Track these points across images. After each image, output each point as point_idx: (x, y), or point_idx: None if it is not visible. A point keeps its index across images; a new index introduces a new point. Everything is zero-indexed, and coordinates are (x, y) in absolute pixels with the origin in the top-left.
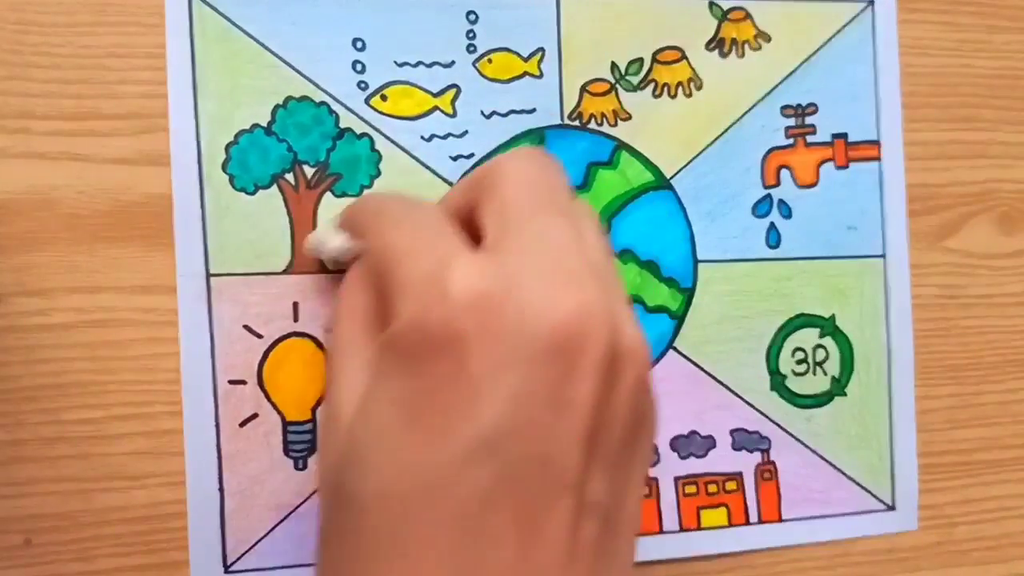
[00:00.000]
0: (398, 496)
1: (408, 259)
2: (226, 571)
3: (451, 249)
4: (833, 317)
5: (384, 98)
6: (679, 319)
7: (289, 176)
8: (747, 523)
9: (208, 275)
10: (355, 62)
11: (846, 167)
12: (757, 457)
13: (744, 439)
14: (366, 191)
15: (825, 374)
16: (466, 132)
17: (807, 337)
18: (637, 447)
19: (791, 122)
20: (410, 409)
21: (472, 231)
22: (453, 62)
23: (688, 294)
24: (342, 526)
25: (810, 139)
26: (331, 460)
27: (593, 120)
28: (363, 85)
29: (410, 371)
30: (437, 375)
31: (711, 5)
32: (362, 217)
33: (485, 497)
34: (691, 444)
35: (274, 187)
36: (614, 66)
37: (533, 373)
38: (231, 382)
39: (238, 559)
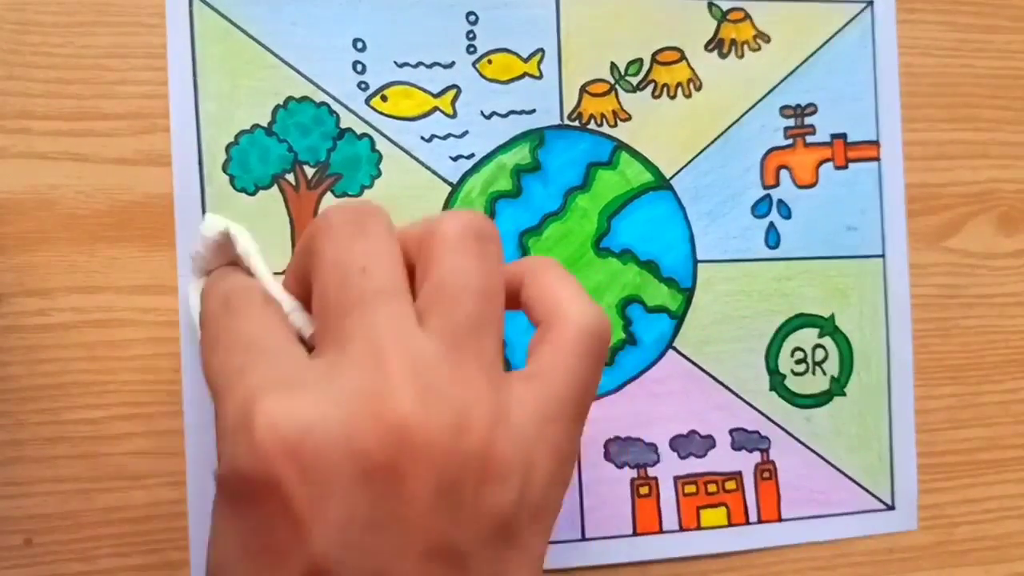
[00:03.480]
0: None
1: (223, 393)
2: None
3: (262, 378)
4: (832, 317)
5: (384, 98)
6: (679, 319)
7: (290, 176)
8: (747, 523)
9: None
10: (355, 62)
11: (845, 167)
12: (756, 457)
13: (743, 439)
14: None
15: (824, 374)
16: (466, 132)
17: (806, 337)
18: (514, 537)
19: (790, 122)
20: (246, 545)
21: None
22: (453, 63)
23: (688, 294)
24: None
25: (809, 139)
26: None
27: (593, 120)
28: (363, 85)
29: (238, 512)
30: (262, 515)
31: (710, 6)
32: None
33: None
34: (690, 444)
35: (275, 187)
36: (614, 67)
37: (354, 499)
38: None
39: None
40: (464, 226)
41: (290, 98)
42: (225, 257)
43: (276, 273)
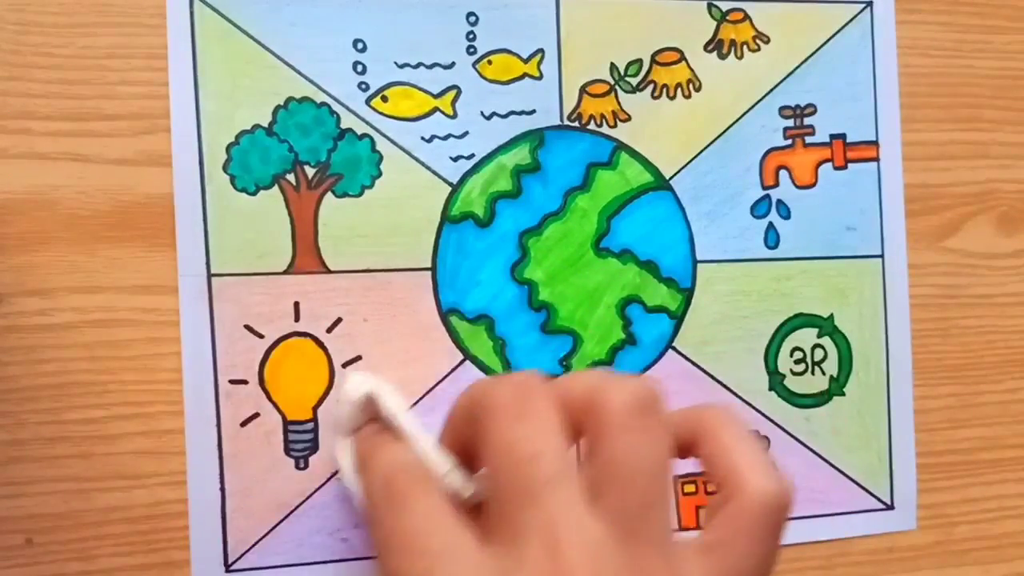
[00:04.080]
0: None
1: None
2: (227, 570)
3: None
4: (832, 317)
5: (385, 99)
6: (678, 319)
7: (290, 176)
8: None
9: (209, 275)
10: (356, 63)
11: (844, 167)
12: None
13: None
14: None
15: (823, 374)
16: (466, 133)
17: (805, 337)
18: None
19: (790, 123)
20: None
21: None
22: (453, 63)
23: (687, 294)
24: None
25: (808, 140)
26: None
27: (592, 121)
28: (364, 86)
29: None
30: None
31: (710, 6)
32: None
33: None
34: None
35: (275, 187)
36: (613, 67)
37: None
38: (232, 382)
39: (239, 558)
40: (631, 400)
41: (291, 98)
42: (368, 415)
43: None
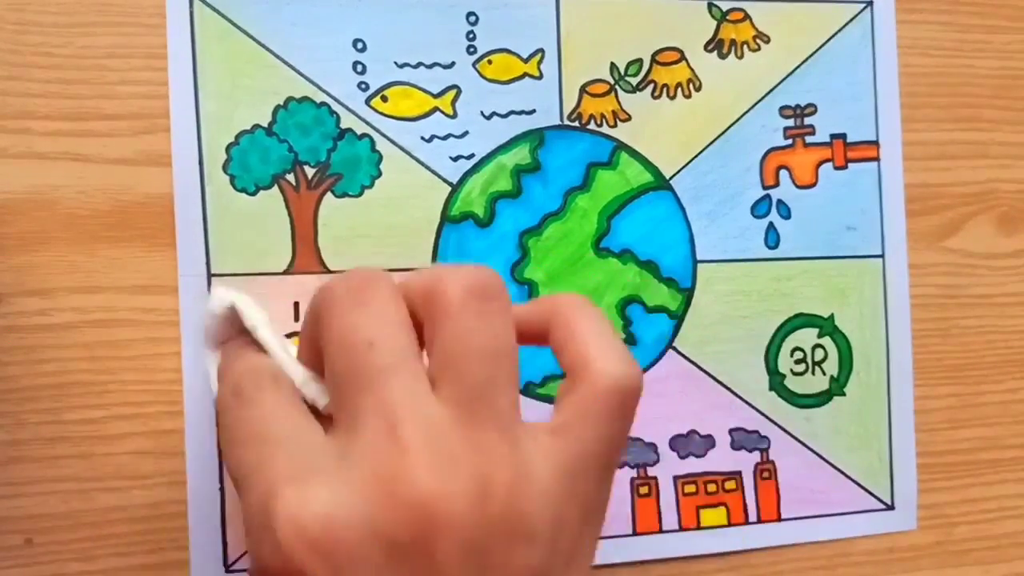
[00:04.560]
0: None
1: (244, 490)
2: (227, 571)
3: (278, 470)
4: (832, 317)
5: (384, 99)
6: (678, 319)
7: (290, 176)
8: (746, 522)
9: (209, 275)
10: (356, 63)
11: (845, 167)
12: (756, 456)
13: (743, 439)
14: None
15: (824, 374)
16: (466, 133)
17: (806, 337)
18: None
19: (790, 122)
20: None
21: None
22: (453, 63)
23: (687, 294)
24: None
25: (809, 139)
26: None
27: (592, 121)
28: (364, 86)
29: None
30: None
31: (710, 6)
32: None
33: None
34: (690, 444)
35: (275, 187)
36: (613, 67)
37: None
38: None
39: (239, 558)
40: (465, 287)
41: (290, 98)
42: (235, 328)
43: (291, 334)
